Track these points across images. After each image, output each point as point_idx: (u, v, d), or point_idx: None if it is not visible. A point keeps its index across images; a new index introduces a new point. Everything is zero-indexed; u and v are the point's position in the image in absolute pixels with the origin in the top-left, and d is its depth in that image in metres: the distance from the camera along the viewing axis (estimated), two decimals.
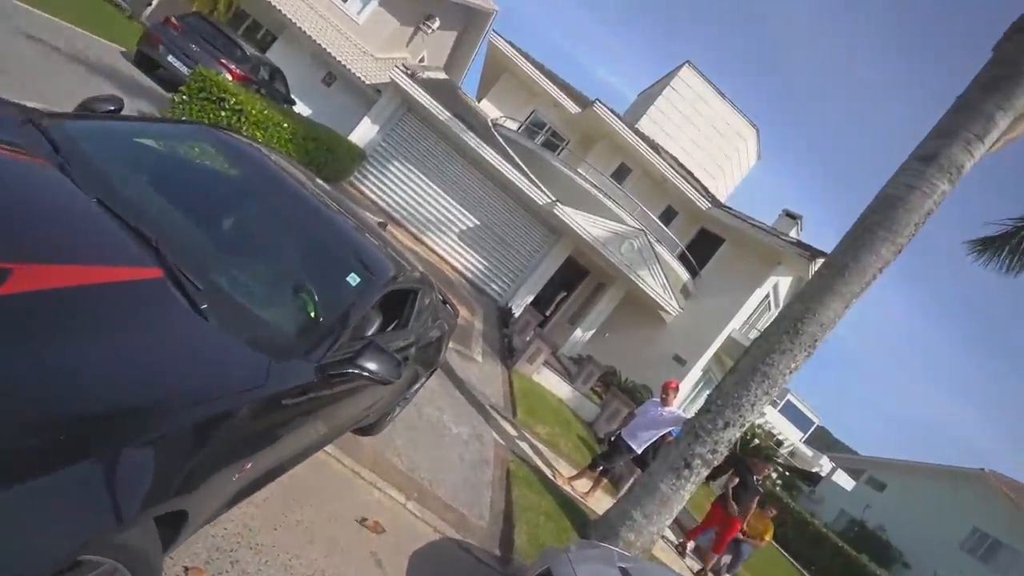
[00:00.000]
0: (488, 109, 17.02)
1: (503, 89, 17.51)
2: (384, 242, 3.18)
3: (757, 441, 14.69)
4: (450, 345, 7.67)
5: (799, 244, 13.30)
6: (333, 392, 2.22)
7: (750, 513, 6.64)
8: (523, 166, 12.88)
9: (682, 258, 14.85)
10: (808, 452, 40.72)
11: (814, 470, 35.12)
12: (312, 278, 2.30)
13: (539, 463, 6.10)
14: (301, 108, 13.29)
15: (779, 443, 30.32)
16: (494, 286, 14.07)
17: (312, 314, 2.14)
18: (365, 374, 2.08)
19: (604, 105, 14.79)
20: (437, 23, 16.83)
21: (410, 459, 4.15)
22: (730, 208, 15.76)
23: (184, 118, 5.55)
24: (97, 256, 1.61)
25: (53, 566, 1.04)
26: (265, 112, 6.37)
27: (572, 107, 16.14)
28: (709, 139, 18.42)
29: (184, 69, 7.98)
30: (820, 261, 10.48)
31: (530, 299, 13.64)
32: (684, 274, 14.37)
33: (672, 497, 4.79)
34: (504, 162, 12.61)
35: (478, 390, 6.81)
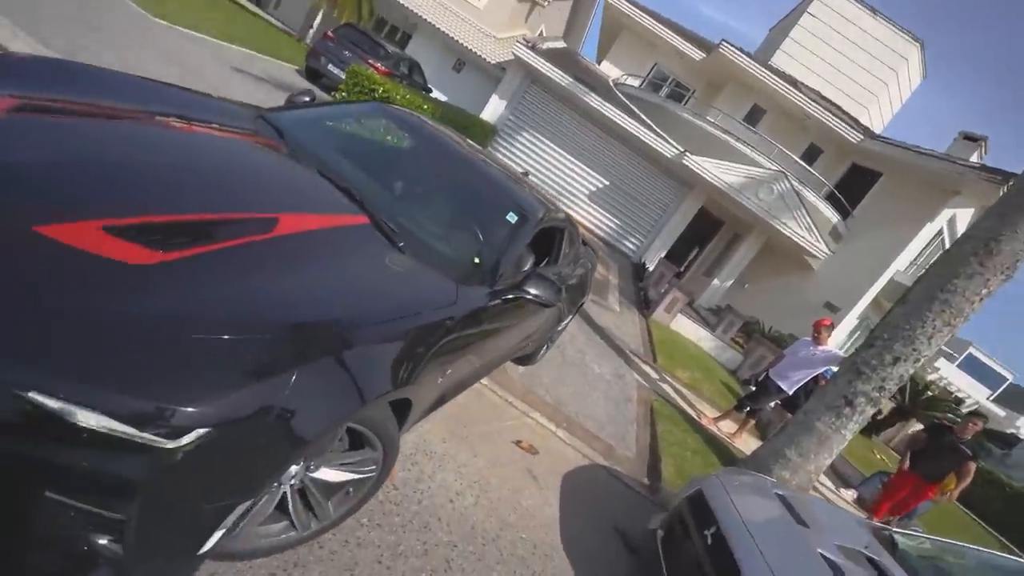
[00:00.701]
0: (608, 70, 16.23)
1: (622, 47, 16.50)
2: (531, 188, 3.43)
3: (930, 394, 12.49)
4: (591, 297, 7.68)
5: (984, 168, 10.75)
6: (504, 316, 2.49)
7: (948, 480, 5.26)
8: (647, 120, 12.12)
9: (830, 198, 12.95)
10: (1000, 412, 33.77)
11: (1009, 431, 29.10)
12: (480, 219, 2.63)
13: (682, 404, 5.86)
14: (436, 95, 13.91)
15: (958, 401, 25.50)
16: (627, 243, 13.64)
17: (483, 248, 2.44)
18: (530, 297, 2.38)
19: (730, 44, 13.20)
20: None
21: (556, 394, 4.24)
22: (887, 138, 13.23)
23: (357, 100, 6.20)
24: (325, 208, 1.99)
25: (330, 426, 1.35)
26: (408, 97, 6.78)
27: (696, 54, 14.67)
28: (859, 65, 15.52)
29: (340, 74, 8.79)
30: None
31: (663, 253, 12.98)
32: (833, 215, 12.54)
33: (831, 436, 4.28)
34: (627, 118, 11.97)
35: (617, 337, 6.70)
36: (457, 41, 14.21)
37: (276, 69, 9.26)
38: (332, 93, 7.57)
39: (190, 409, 1.05)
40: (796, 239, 11.51)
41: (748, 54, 13.42)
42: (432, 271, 2.04)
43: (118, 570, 1.12)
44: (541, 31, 18.13)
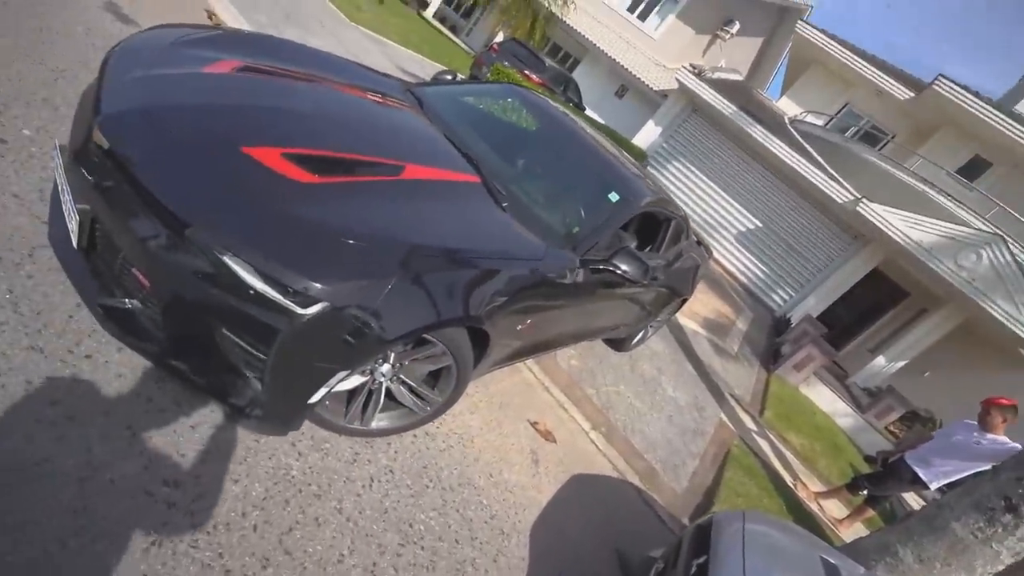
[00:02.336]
0: (788, 107, 14.75)
1: (809, 83, 14.87)
2: (647, 176, 3.64)
3: None
4: (703, 333, 6.90)
5: None
6: (592, 288, 2.68)
7: None
8: (818, 158, 10.65)
9: None
10: None
11: None
12: (582, 194, 2.89)
13: (776, 465, 4.84)
14: (593, 115, 14.05)
15: None
16: (775, 296, 12.01)
17: (580, 220, 2.68)
18: (618, 271, 2.53)
19: (948, 79, 11.02)
20: (736, 27, 15.53)
21: (608, 398, 3.80)
22: None
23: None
24: (444, 164, 2.37)
25: (412, 330, 1.68)
26: (541, 94, 6.95)
27: (901, 92, 12.53)
28: None
29: None
30: None
31: (815, 314, 11.14)
32: None
33: (974, 548, 3.10)
34: (795, 154, 10.66)
35: (720, 377, 5.86)
36: (622, 66, 14.27)
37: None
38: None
39: (318, 286, 1.45)
40: (1010, 324, 8.94)
41: (974, 92, 11.05)
42: (527, 231, 2.29)
43: (254, 399, 1.61)
44: (721, 65, 17.31)
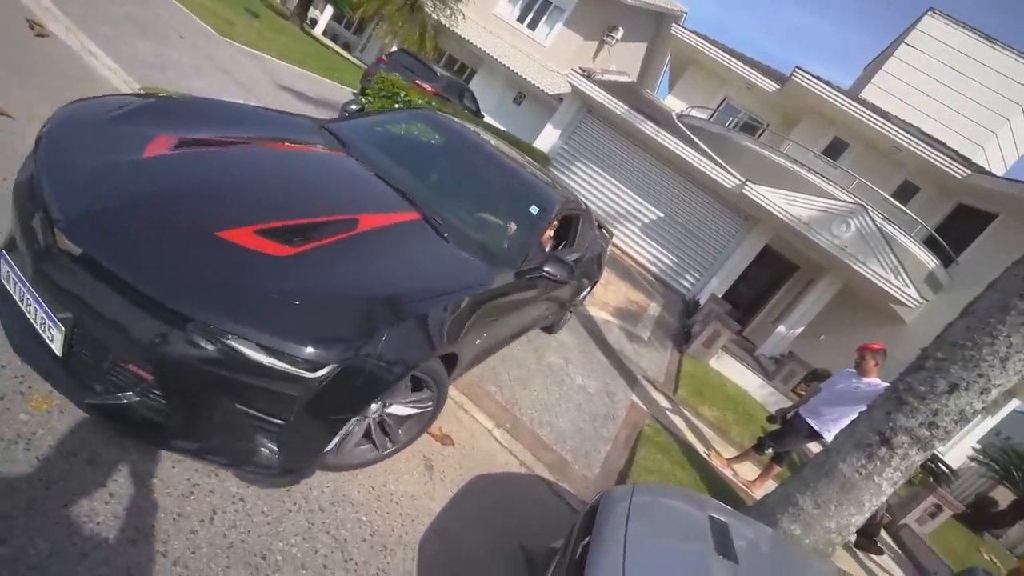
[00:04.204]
0: (674, 104, 15.77)
1: (690, 82, 16.02)
2: (553, 181, 3.99)
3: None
4: (613, 321, 7.04)
5: None
6: (528, 291, 3.03)
7: None
8: (706, 149, 11.43)
9: (929, 242, 11.23)
10: None
11: None
12: (507, 212, 3.15)
13: (691, 438, 4.98)
14: (493, 123, 14.20)
15: None
16: (683, 281, 12.66)
17: (510, 236, 3.00)
18: (549, 276, 2.94)
19: (804, 72, 12.29)
20: (620, 33, 16.43)
21: (512, 393, 3.71)
22: (998, 177, 11.36)
23: (401, 107, 6.44)
24: (387, 207, 2.51)
25: (406, 370, 1.89)
26: (432, 103, 6.85)
27: (768, 85, 13.82)
28: (970, 98, 13.74)
29: None
30: None
31: (720, 294, 11.86)
32: (930, 260, 10.82)
33: (859, 485, 3.31)
34: (684, 146, 11.37)
35: (631, 361, 5.98)
36: (518, 74, 14.59)
37: (330, 90, 9.91)
38: (361, 96, 7.89)
39: (323, 351, 1.60)
40: (879, 283, 9.99)
41: (826, 83, 12.40)
42: (470, 256, 2.53)
43: (270, 461, 1.73)
44: (611, 68, 18.22)
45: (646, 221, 12.83)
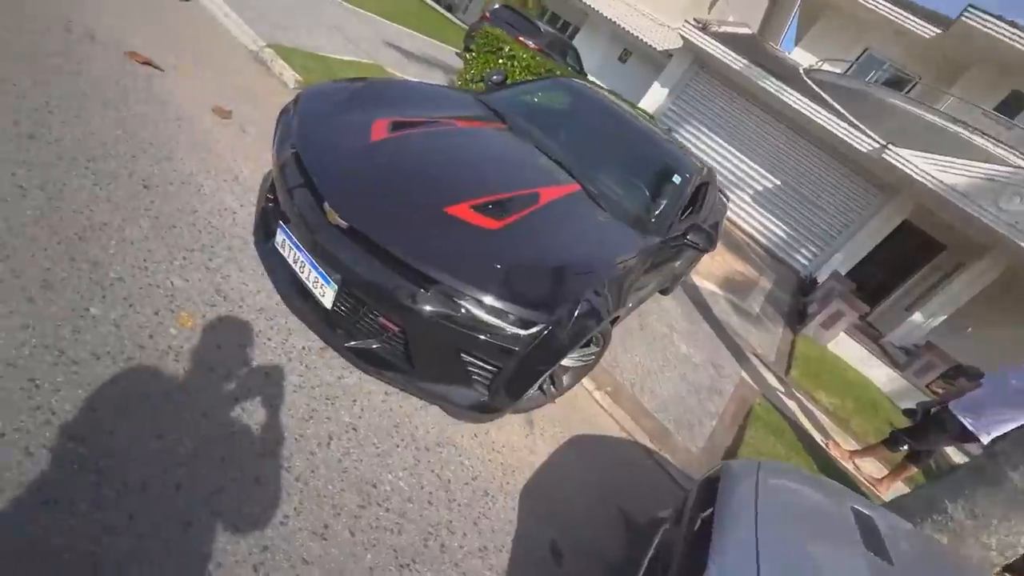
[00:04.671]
0: (802, 58, 14.03)
1: (822, 31, 14.08)
2: (686, 150, 4.03)
3: None
4: (719, 292, 6.56)
5: None
6: (666, 257, 3.21)
7: None
8: (839, 108, 10.05)
9: None
10: None
11: None
12: (653, 181, 3.32)
13: (805, 423, 4.52)
14: (595, 81, 13.56)
15: None
16: (799, 256, 11.50)
17: (658, 205, 3.15)
18: (691, 244, 3.04)
19: (978, 11, 10.25)
20: None
21: (614, 357, 3.55)
22: None
23: (545, 74, 6.36)
24: (556, 181, 2.70)
25: (595, 329, 2.06)
26: (536, 59, 6.59)
27: (925, 30, 11.74)
28: None
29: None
30: None
31: (843, 272, 10.61)
32: None
33: None
34: (812, 104, 10.08)
35: (740, 336, 5.53)
36: (624, 28, 13.72)
37: (434, 47, 9.97)
38: (466, 52, 7.83)
39: (537, 313, 1.85)
40: None
41: (1009, 22, 10.25)
42: (625, 225, 2.71)
43: (481, 401, 2.00)
44: (729, 19, 16.56)
45: (759, 189, 11.73)
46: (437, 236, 1.91)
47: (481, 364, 1.91)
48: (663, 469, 2.95)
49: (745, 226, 11.78)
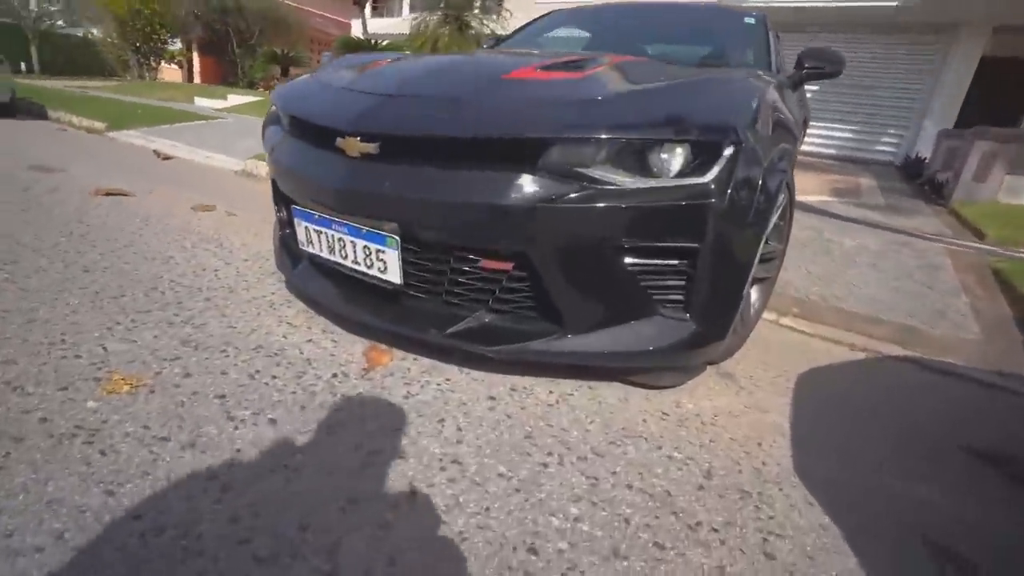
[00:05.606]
0: None
1: None
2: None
3: None
4: (829, 199, 5.44)
5: None
6: (790, 106, 2.53)
7: None
8: None
9: None
10: None
11: None
12: (729, 34, 2.69)
13: None
14: None
15: None
16: (878, 148, 9.98)
17: (746, 54, 2.55)
18: (816, 71, 2.35)
19: None
20: None
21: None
22: None
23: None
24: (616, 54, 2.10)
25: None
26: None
27: None
28: None
29: None
30: None
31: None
32: None
33: None
34: None
35: (882, 223, 4.28)
36: None
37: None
38: None
39: (709, 132, 1.14)
40: None
41: None
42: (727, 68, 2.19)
43: (694, 331, 1.23)
44: None
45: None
46: (512, 99, 1.26)
47: (661, 268, 1.17)
48: (955, 375, 1.83)
49: (807, 148, 10.42)
